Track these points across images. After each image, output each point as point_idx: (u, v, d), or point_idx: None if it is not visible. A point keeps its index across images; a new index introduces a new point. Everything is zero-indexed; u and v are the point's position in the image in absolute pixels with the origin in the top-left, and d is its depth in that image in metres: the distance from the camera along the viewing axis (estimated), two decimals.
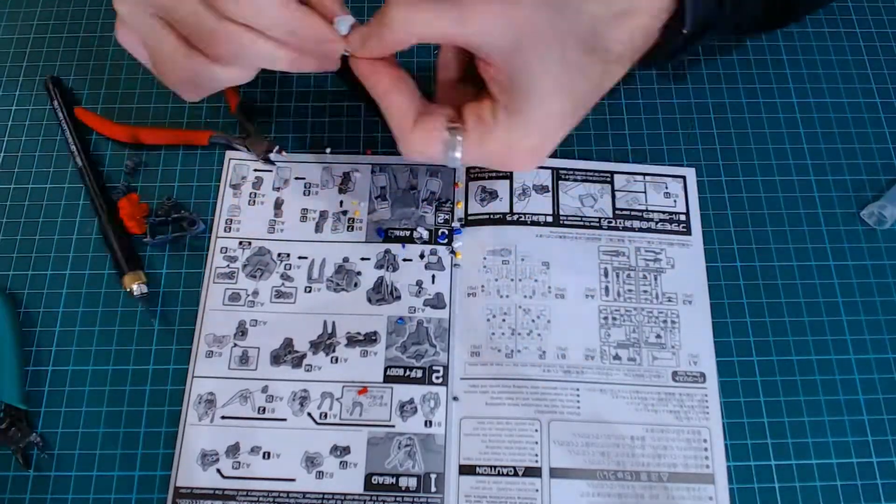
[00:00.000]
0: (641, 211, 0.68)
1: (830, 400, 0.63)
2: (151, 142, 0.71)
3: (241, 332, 0.64)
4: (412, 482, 0.60)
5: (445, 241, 0.67)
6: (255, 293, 0.66)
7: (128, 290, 0.64)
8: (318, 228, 0.68)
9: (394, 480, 0.60)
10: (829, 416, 0.63)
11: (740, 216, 0.69)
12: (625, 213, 0.68)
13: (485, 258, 0.67)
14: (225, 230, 0.68)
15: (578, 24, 0.50)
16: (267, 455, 0.61)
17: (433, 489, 0.59)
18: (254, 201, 0.69)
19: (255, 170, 0.70)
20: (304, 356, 0.64)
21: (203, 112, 0.73)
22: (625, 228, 0.67)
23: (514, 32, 0.50)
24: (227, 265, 0.67)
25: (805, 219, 0.69)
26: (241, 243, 0.67)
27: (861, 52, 0.77)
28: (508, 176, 0.69)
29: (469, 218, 0.68)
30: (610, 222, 0.68)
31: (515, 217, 0.67)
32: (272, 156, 0.69)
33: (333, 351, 0.64)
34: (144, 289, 0.64)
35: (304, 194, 0.69)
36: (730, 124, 0.73)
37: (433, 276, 0.66)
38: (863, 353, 0.65)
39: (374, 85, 0.53)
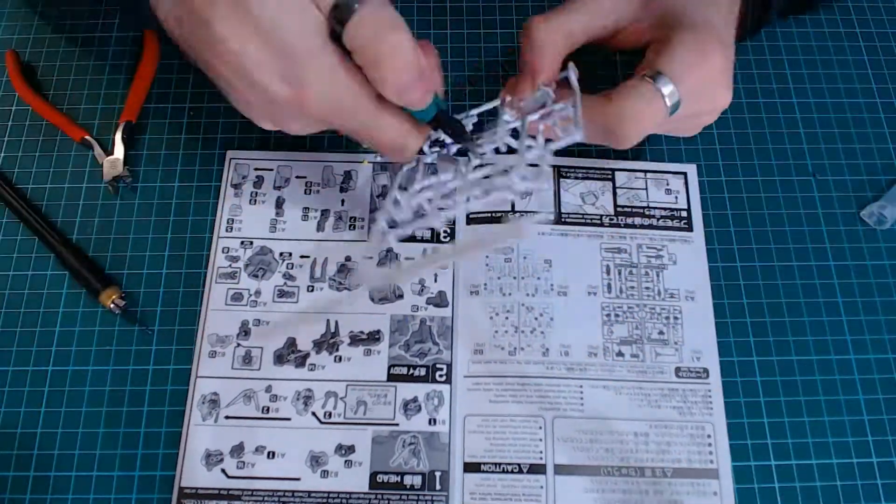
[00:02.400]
0: (643, 208, 0.70)
1: (830, 400, 0.64)
2: (43, 115, 0.72)
3: (244, 331, 0.66)
4: (417, 480, 0.61)
5: (448, 238, 0.69)
6: (258, 293, 0.67)
7: (107, 307, 0.65)
8: (320, 227, 0.69)
9: (399, 479, 0.61)
10: (829, 416, 0.64)
11: (740, 216, 0.71)
12: (626, 210, 0.70)
13: (487, 256, 0.68)
14: (226, 230, 0.69)
15: None
16: (271, 455, 0.62)
17: (438, 487, 0.61)
18: (255, 201, 0.70)
19: (256, 169, 0.71)
20: (307, 355, 0.65)
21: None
22: (626, 225, 0.69)
23: None
24: (229, 265, 0.68)
25: (805, 219, 0.71)
26: (242, 243, 0.69)
27: (861, 52, 0.79)
28: None
29: (470, 216, 0.70)
30: (611, 219, 0.69)
31: (518, 215, 0.69)
32: (119, 184, 0.71)
33: (337, 350, 0.65)
34: (121, 302, 0.65)
35: (306, 193, 0.70)
36: (730, 124, 0.74)
37: (435, 275, 0.68)
38: (863, 353, 0.66)
39: None
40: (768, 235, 0.70)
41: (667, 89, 0.56)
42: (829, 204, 0.72)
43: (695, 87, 0.58)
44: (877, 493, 0.62)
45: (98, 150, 0.71)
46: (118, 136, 0.71)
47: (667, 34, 0.58)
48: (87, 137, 0.71)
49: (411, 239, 0.68)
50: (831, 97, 0.76)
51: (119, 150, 0.71)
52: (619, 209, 0.70)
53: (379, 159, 0.71)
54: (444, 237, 0.69)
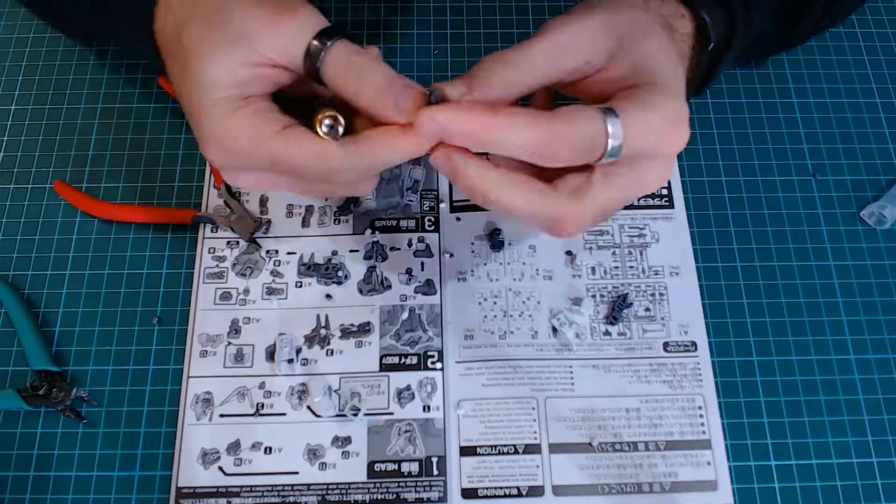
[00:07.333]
0: None
1: (830, 400, 0.77)
2: (134, 220, 0.84)
3: (235, 330, 0.78)
4: (414, 467, 0.74)
5: (433, 228, 0.81)
6: (247, 291, 0.80)
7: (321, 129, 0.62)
8: (305, 223, 0.83)
9: (396, 466, 0.74)
10: (829, 416, 0.77)
11: (740, 216, 0.83)
12: None
13: (472, 243, 0.81)
14: (212, 230, 0.83)
15: (652, 14, 0.65)
16: (268, 450, 0.75)
17: (435, 472, 0.73)
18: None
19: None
20: (299, 350, 0.77)
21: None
22: None
23: (612, 29, 0.63)
24: (216, 265, 0.81)
25: (805, 219, 0.84)
26: (228, 242, 0.82)
27: (861, 52, 0.92)
28: None
29: (454, 204, 0.83)
30: None
31: None
32: (258, 236, 0.83)
33: (328, 344, 0.78)
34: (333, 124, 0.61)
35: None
36: (730, 124, 0.88)
37: (422, 263, 0.81)
38: (863, 353, 0.79)
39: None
40: (768, 235, 0.83)
41: (613, 128, 0.58)
42: (829, 204, 0.85)
43: (644, 148, 0.60)
44: (877, 493, 0.75)
45: None
46: (225, 195, 0.85)
47: (639, 90, 0.61)
48: (197, 215, 0.85)
49: (396, 229, 0.82)
50: (831, 97, 0.90)
51: (236, 206, 0.86)
52: None
53: None
54: (429, 226, 0.82)
